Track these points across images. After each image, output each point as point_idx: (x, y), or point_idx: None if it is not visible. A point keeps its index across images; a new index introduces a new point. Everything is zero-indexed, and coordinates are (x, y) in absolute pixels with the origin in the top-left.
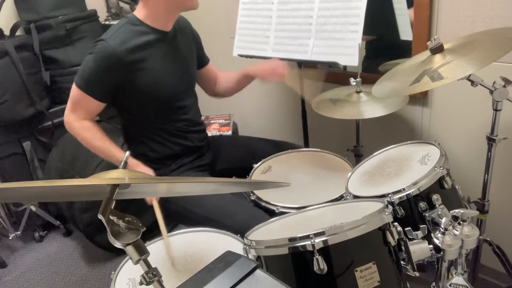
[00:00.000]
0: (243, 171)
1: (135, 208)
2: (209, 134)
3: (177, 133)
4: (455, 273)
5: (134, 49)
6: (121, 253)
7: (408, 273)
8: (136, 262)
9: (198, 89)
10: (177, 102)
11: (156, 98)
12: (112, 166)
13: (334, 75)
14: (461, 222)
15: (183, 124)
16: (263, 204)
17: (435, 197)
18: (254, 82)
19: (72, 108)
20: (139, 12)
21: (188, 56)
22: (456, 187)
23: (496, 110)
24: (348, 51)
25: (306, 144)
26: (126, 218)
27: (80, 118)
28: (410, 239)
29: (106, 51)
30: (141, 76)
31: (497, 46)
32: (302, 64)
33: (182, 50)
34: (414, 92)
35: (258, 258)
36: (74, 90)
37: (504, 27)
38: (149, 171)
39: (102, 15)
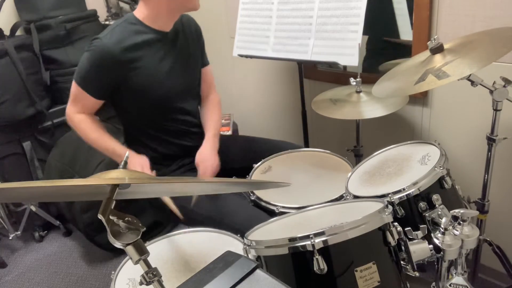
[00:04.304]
0: (243, 171)
1: (135, 208)
2: None
3: (177, 134)
4: (455, 273)
5: (129, 48)
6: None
7: (408, 273)
8: (136, 262)
9: None
10: (175, 103)
11: (152, 98)
12: (112, 166)
13: (334, 75)
14: (461, 222)
15: (182, 125)
16: (263, 204)
17: (435, 197)
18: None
19: (72, 101)
20: (139, 12)
21: (191, 57)
22: (456, 187)
23: (496, 110)
24: (348, 51)
25: (306, 144)
26: (126, 218)
27: (78, 112)
28: (410, 239)
29: (101, 49)
30: (136, 76)
31: (497, 46)
32: (302, 64)
33: (183, 51)
34: (420, 91)
35: (258, 258)
36: (73, 85)
37: (504, 27)
38: (148, 171)
39: (102, 15)
